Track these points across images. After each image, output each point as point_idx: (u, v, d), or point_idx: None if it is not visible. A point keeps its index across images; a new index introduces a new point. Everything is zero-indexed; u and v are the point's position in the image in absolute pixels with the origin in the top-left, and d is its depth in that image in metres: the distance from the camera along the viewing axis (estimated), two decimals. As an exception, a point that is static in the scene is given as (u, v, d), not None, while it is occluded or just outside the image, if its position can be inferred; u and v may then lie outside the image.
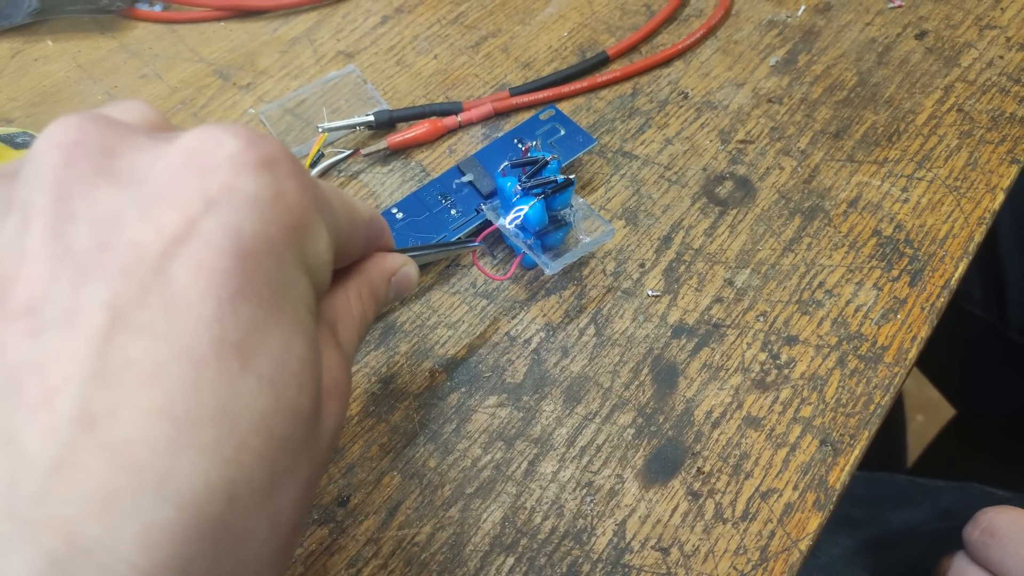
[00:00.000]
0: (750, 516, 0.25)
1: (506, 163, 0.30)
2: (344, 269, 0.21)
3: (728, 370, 0.29)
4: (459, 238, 0.32)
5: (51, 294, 0.13)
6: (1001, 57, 0.38)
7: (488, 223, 0.31)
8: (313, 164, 0.35)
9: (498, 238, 0.33)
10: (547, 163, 0.29)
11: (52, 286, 0.13)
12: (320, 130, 0.36)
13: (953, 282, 0.31)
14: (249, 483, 0.14)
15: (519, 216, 0.29)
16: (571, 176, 0.29)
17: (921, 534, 0.42)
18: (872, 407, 0.28)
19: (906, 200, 0.33)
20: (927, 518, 0.43)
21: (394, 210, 0.33)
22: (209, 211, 0.14)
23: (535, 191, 0.29)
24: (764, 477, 0.26)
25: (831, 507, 0.26)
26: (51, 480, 0.12)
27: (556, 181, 0.29)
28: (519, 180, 0.29)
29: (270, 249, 0.15)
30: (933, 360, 0.63)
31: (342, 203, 0.19)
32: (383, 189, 0.35)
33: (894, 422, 0.63)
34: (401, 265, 0.23)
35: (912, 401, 0.98)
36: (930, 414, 1.00)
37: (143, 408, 0.13)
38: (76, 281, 0.13)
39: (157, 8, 0.45)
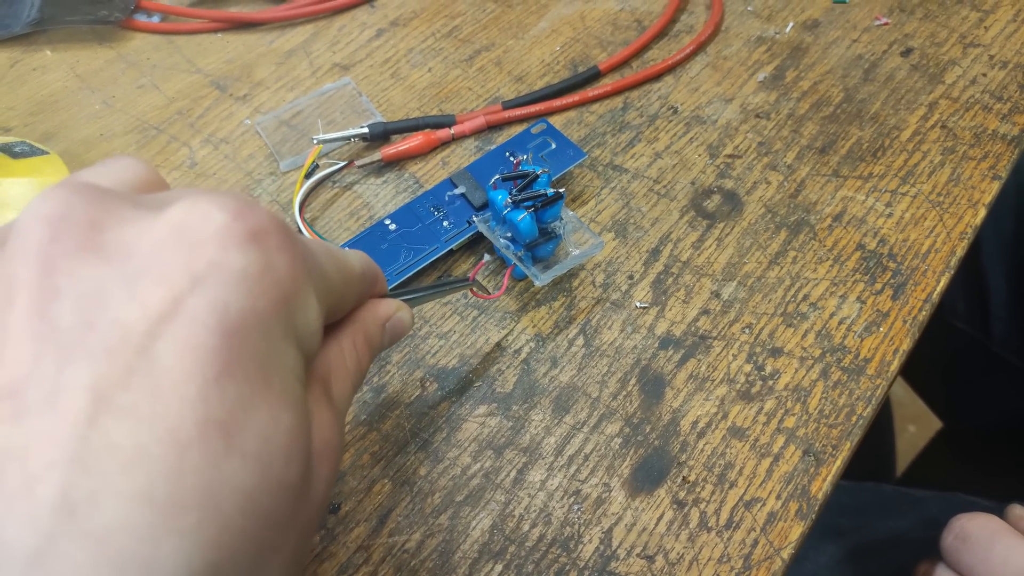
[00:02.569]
0: (734, 525, 0.26)
1: (497, 176, 0.30)
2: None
3: (714, 381, 0.29)
4: (449, 278, 0.32)
5: (34, 376, 0.13)
6: (984, 75, 0.39)
7: (484, 280, 0.31)
8: (308, 175, 0.36)
9: (490, 249, 0.33)
10: (537, 177, 0.30)
11: (35, 368, 0.13)
12: (315, 142, 0.36)
13: (935, 296, 0.31)
14: (233, 564, 0.14)
15: (510, 230, 0.29)
16: (561, 190, 0.30)
17: (906, 542, 0.42)
18: (854, 418, 0.28)
19: (890, 215, 0.34)
20: (912, 527, 0.43)
21: (387, 221, 0.33)
22: (195, 288, 0.14)
23: (525, 204, 0.29)
24: (748, 486, 0.27)
25: (813, 516, 0.26)
26: (30, 572, 0.12)
27: (546, 194, 0.29)
28: (510, 193, 0.30)
29: (258, 324, 0.15)
30: (919, 373, 0.64)
31: (333, 263, 0.19)
32: (377, 200, 0.36)
33: (882, 432, 0.64)
34: (395, 311, 0.23)
35: (904, 412, 0.98)
36: (922, 424, 1.01)
37: (125, 494, 0.13)
38: (60, 362, 0.13)
39: (155, 19, 0.45)
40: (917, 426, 1.01)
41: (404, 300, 0.24)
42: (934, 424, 0.70)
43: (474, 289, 0.29)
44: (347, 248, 0.22)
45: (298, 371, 0.16)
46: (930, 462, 0.65)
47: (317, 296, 0.17)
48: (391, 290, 0.24)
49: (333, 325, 0.20)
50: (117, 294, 0.14)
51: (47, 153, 0.36)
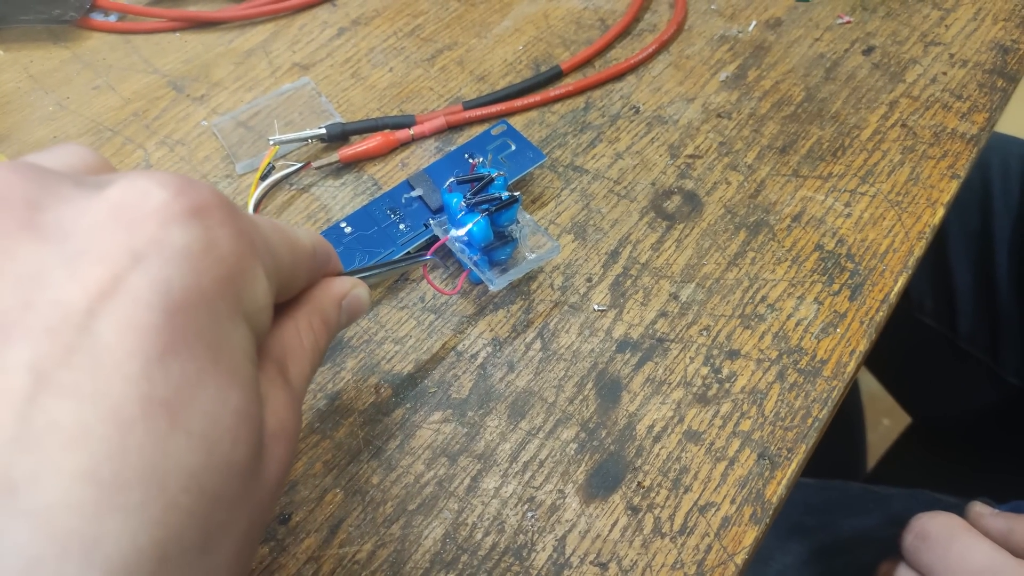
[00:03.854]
0: (688, 530, 0.26)
1: (452, 179, 0.30)
2: (292, 299, 0.21)
3: (671, 384, 0.29)
4: (408, 252, 0.32)
5: None
6: (944, 73, 0.39)
7: (438, 237, 0.31)
8: (264, 177, 0.35)
9: (448, 252, 0.33)
10: (492, 180, 0.29)
11: None
12: (271, 143, 0.36)
13: (892, 297, 0.31)
14: (180, 542, 0.13)
15: (464, 232, 0.29)
16: (516, 193, 0.29)
17: (872, 541, 0.43)
18: (810, 420, 0.28)
19: (849, 215, 0.34)
20: (878, 525, 0.44)
21: (343, 224, 0.33)
22: (136, 266, 0.14)
23: (481, 207, 0.29)
24: (703, 491, 0.27)
25: (768, 521, 0.26)
26: None
27: (501, 198, 0.29)
28: (465, 197, 0.29)
29: (202, 302, 0.15)
30: (888, 368, 0.64)
31: (282, 239, 0.19)
32: (335, 203, 0.35)
33: (851, 429, 0.64)
34: (351, 288, 0.23)
35: (879, 406, 0.99)
36: (896, 419, 1.01)
37: (67, 472, 0.12)
38: None
39: (112, 18, 0.45)
40: (891, 420, 1.02)
41: (361, 277, 0.24)
42: (908, 419, 0.71)
43: (427, 269, 0.29)
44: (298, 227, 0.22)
45: (248, 349, 0.16)
46: (900, 457, 0.66)
47: (265, 272, 0.17)
48: (347, 271, 0.24)
49: (288, 304, 0.20)
50: (56, 273, 0.14)
51: (-5, 156, 0.35)
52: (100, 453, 0.13)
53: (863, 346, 0.30)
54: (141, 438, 0.13)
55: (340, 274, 0.23)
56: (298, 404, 0.19)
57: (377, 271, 0.26)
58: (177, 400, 0.14)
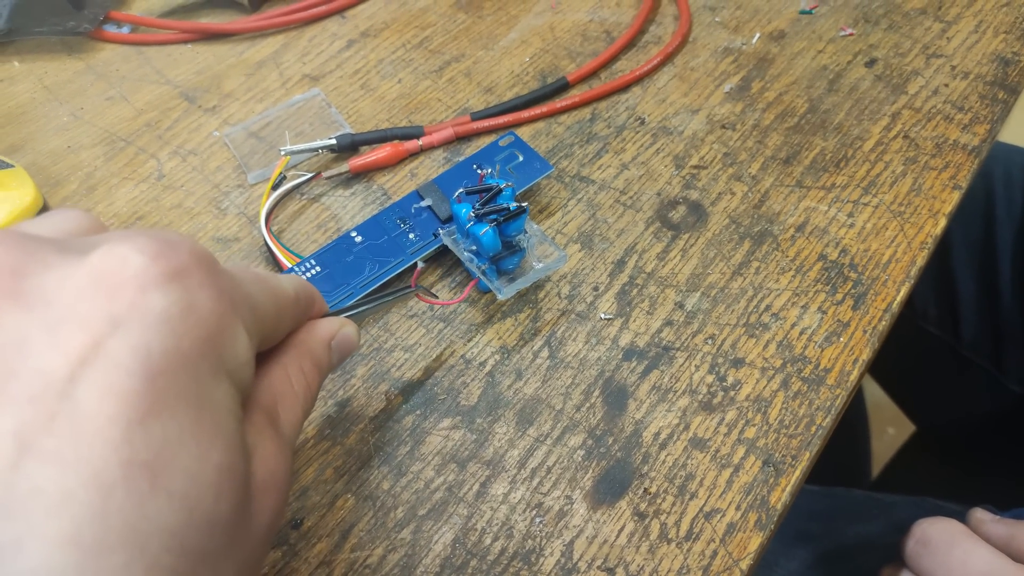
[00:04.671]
0: (694, 536, 0.26)
1: (461, 190, 0.30)
2: (279, 344, 0.21)
3: (676, 392, 0.30)
4: (388, 289, 0.31)
5: None
6: (946, 85, 0.40)
7: (414, 268, 0.31)
8: (275, 187, 0.36)
9: (456, 262, 0.33)
10: (501, 191, 0.30)
11: None
12: (282, 153, 0.36)
13: (895, 306, 0.32)
14: None
15: (473, 243, 0.29)
16: (524, 204, 0.30)
17: (876, 547, 0.43)
18: (814, 428, 0.28)
19: (852, 225, 0.34)
20: (882, 532, 0.44)
21: (353, 233, 0.33)
22: (115, 332, 0.14)
23: (489, 218, 0.30)
24: (708, 498, 0.27)
25: (772, 527, 0.26)
26: None
27: (509, 209, 0.29)
28: (473, 207, 0.30)
29: (183, 363, 0.15)
30: (892, 376, 0.65)
31: (264, 290, 0.19)
32: (344, 212, 0.36)
33: (856, 436, 0.64)
34: (339, 328, 0.23)
35: (883, 414, 0.99)
36: (900, 427, 1.01)
37: (50, 538, 0.13)
38: None
39: (125, 30, 0.45)
40: (896, 429, 1.02)
41: (347, 316, 0.24)
42: (912, 427, 0.71)
43: (420, 295, 0.29)
44: (280, 274, 0.22)
45: (230, 405, 0.16)
46: (904, 465, 0.66)
47: (246, 327, 0.17)
48: (332, 311, 0.24)
49: (275, 350, 0.21)
50: (39, 341, 0.14)
51: (12, 166, 0.36)
52: (82, 517, 0.13)
53: (866, 355, 0.30)
54: (122, 501, 0.13)
55: (326, 315, 0.23)
56: (289, 451, 0.19)
57: (361, 308, 0.26)
58: (158, 461, 0.14)
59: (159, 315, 0.15)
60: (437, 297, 0.32)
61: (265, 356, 0.20)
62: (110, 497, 0.13)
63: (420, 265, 0.30)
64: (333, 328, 0.23)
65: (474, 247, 0.30)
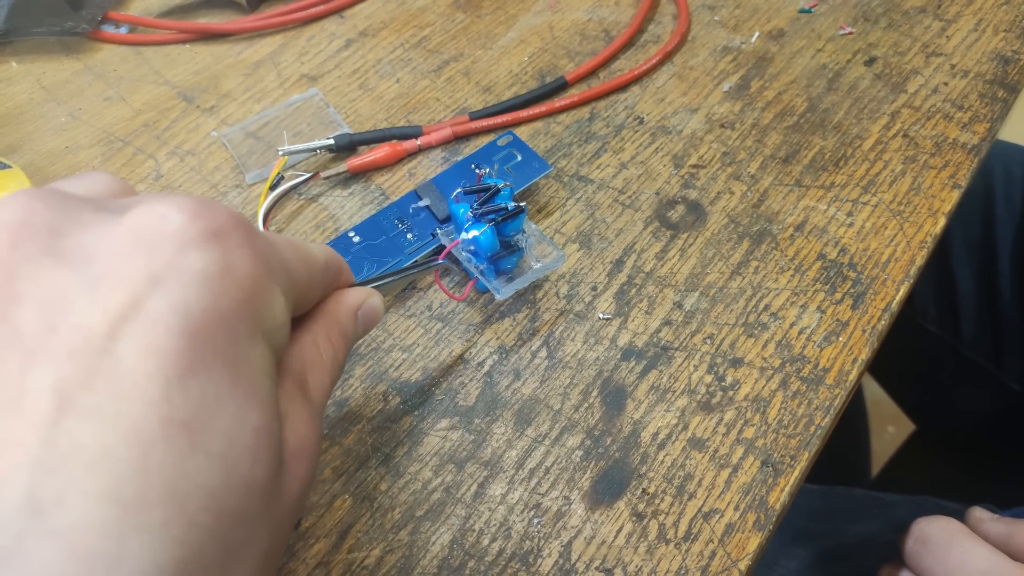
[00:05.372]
0: (692, 537, 0.26)
1: (459, 190, 0.30)
2: (307, 313, 0.21)
3: (675, 392, 0.29)
4: (416, 261, 0.32)
5: None
6: (946, 84, 0.40)
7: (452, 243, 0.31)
8: (273, 187, 0.36)
9: (455, 260, 0.33)
10: (499, 190, 0.30)
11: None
12: (280, 153, 0.36)
13: (894, 306, 0.32)
14: (201, 561, 0.14)
15: (471, 242, 0.29)
16: (522, 204, 0.30)
17: (876, 546, 0.43)
18: (813, 428, 0.28)
19: (851, 224, 0.34)
20: (881, 531, 0.44)
21: (351, 234, 0.33)
22: (155, 289, 0.14)
23: (487, 218, 0.29)
24: (707, 498, 0.27)
25: (771, 527, 0.26)
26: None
27: (507, 208, 0.29)
28: (471, 207, 0.30)
29: (221, 323, 0.15)
30: (891, 375, 0.64)
31: (297, 255, 0.19)
32: (343, 212, 0.36)
33: (856, 437, 0.64)
34: (365, 298, 0.23)
35: (883, 413, 0.99)
36: (901, 426, 1.01)
37: (91, 493, 0.13)
38: (24, 365, 0.14)
39: (123, 30, 0.45)
40: (896, 427, 1.02)
41: (373, 287, 0.24)
42: (912, 426, 0.71)
43: (438, 274, 0.29)
44: (310, 242, 0.23)
45: (267, 368, 0.16)
46: (904, 464, 0.66)
47: (282, 290, 0.17)
48: (359, 282, 0.25)
49: (304, 319, 0.21)
50: (78, 298, 0.14)
51: (10, 167, 0.36)
52: (122, 474, 0.13)
53: (865, 354, 0.30)
54: (162, 459, 0.14)
55: (352, 285, 0.24)
56: (318, 419, 0.19)
57: (389, 279, 0.26)
58: (197, 421, 0.14)
59: (198, 274, 0.15)
60: (448, 290, 0.32)
61: (294, 324, 0.20)
62: (150, 454, 0.13)
63: (455, 238, 0.30)
64: (360, 298, 0.23)
65: (472, 247, 0.30)
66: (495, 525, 0.27)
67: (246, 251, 0.16)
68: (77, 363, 0.14)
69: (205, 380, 0.14)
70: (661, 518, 0.26)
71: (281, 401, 0.17)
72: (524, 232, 0.31)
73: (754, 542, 0.26)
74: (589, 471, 0.28)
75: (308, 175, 0.36)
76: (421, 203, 0.34)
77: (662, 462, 0.28)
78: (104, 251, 0.15)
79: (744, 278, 0.33)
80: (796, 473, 0.27)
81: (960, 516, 0.33)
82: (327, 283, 0.22)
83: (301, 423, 0.18)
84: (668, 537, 0.26)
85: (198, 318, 0.15)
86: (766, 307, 0.32)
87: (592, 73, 0.41)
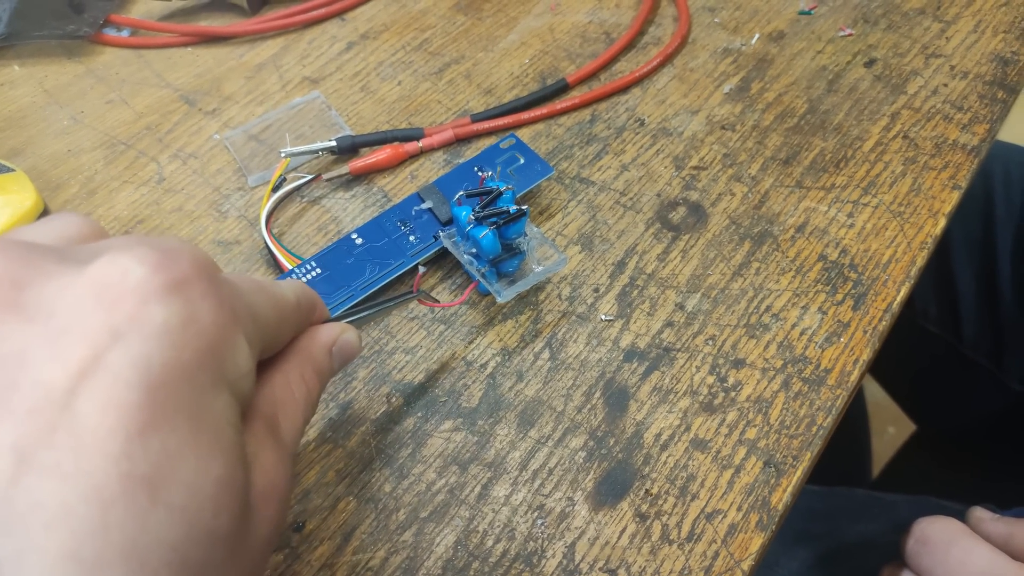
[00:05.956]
0: (695, 537, 0.26)
1: (461, 192, 0.30)
2: (281, 351, 0.21)
3: (677, 393, 0.30)
4: (389, 297, 0.31)
5: None
6: (945, 85, 0.40)
7: (414, 274, 0.31)
8: (275, 189, 0.36)
9: (456, 264, 0.33)
10: (501, 194, 0.30)
11: None
12: (282, 155, 0.36)
13: (895, 306, 0.32)
14: None
15: (473, 246, 0.29)
16: (524, 207, 0.30)
17: (876, 546, 0.43)
18: (815, 429, 0.28)
19: (851, 225, 0.34)
20: (882, 531, 0.44)
21: (354, 235, 0.33)
22: (116, 344, 0.14)
23: (489, 220, 0.30)
24: (709, 498, 0.27)
25: (774, 528, 0.26)
26: None
27: (509, 212, 0.29)
28: (473, 210, 0.30)
29: (183, 376, 0.15)
30: (892, 376, 0.65)
31: (266, 299, 0.19)
32: (345, 214, 0.36)
33: (857, 436, 0.64)
34: (340, 333, 0.23)
35: (884, 414, 0.99)
36: (901, 427, 1.02)
37: (50, 552, 0.13)
38: None
39: (125, 33, 0.45)
40: (897, 428, 1.02)
41: (349, 322, 0.24)
42: (913, 427, 0.71)
43: (422, 299, 0.29)
44: (280, 280, 0.22)
45: (230, 417, 0.16)
46: (905, 465, 0.66)
47: (247, 337, 0.17)
48: (334, 316, 0.24)
49: (276, 358, 0.20)
50: (39, 352, 0.14)
51: (13, 170, 0.36)
52: (82, 532, 0.13)
53: (866, 355, 0.30)
54: (122, 515, 0.13)
55: (327, 321, 0.23)
56: (289, 460, 0.19)
57: (363, 313, 0.26)
58: (157, 475, 0.14)
59: (159, 327, 0.15)
60: (438, 301, 0.32)
61: (266, 363, 0.20)
62: (110, 511, 0.13)
63: (421, 270, 0.30)
64: (334, 334, 0.22)
65: (474, 250, 0.30)
66: (499, 526, 0.27)
67: (210, 300, 0.16)
68: (37, 420, 0.13)
69: (166, 433, 0.14)
70: (664, 519, 0.27)
71: (249, 444, 0.17)
72: (526, 235, 0.31)
73: (757, 542, 0.26)
74: (592, 472, 0.28)
75: (310, 177, 0.36)
76: (423, 205, 0.34)
77: (665, 463, 0.28)
78: (65, 304, 0.15)
79: (745, 279, 0.33)
80: (798, 473, 0.27)
81: (961, 516, 0.34)
82: (299, 321, 0.21)
83: (271, 465, 0.18)
84: (671, 538, 0.26)
85: (159, 372, 0.14)
86: (767, 308, 0.32)
87: (593, 75, 0.41)
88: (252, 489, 0.17)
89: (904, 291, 0.32)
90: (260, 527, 0.17)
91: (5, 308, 0.14)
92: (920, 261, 0.33)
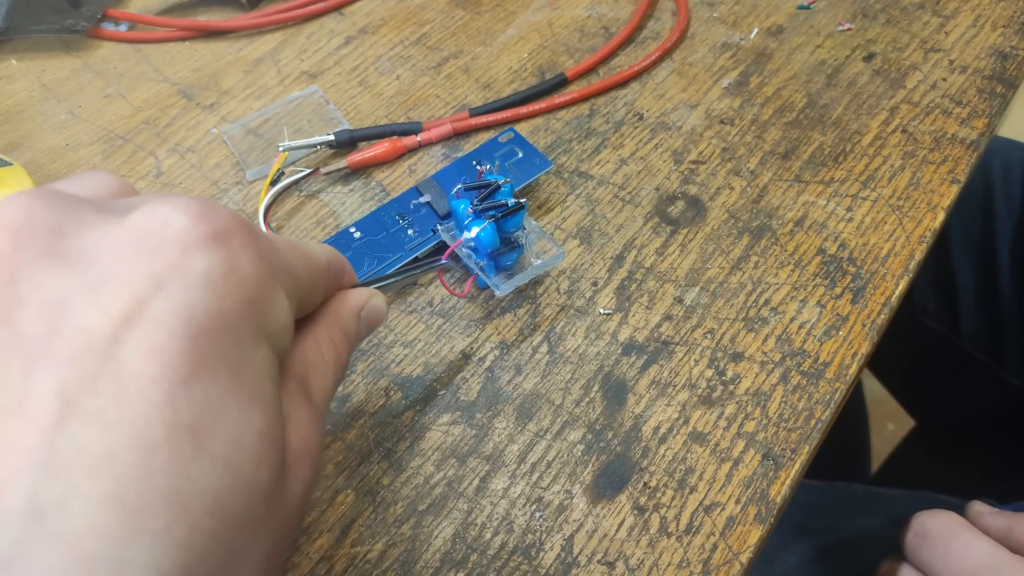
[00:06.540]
0: (693, 530, 0.26)
1: (459, 186, 0.30)
2: (310, 314, 0.21)
3: (676, 386, 0.30)
4: (417, 258, 0.32)
5: (1, 383, 0.13)
6: (944, 79, 0.40)
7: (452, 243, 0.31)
8: (273, 183, 0.36)
9: (455, 257, 0.33)
10: (499, 187, 0.30)
11: (2, 375, 0.13)
12: (280, 149, 0.36)
13: (894, 300, 0.32)
14: (204, 565, 0.14)
15: (471, 238, 0.29)
16: (522, 200, 0.30)
17: (876, 541, 0.43)
18: (813, 422, 0.28)
19: (850, 219, 0.34)
20: (881, 525, 0.44)
21: (352, 229, 0.33)
22: (158, 292, 0.14)
23: (487, 214, 0.30)
24: (708, 491, 0.27)
25: (772, 520, 0.26)
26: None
27: (507, 205, 0.29)
28: (472, 203, 0.30)
29: (224, 326, 0.15)
30: (891, 371, 0.65)
31: (299, 257, 0.19)
32: (343, 208, 0.36)
33: (856, 431, 0.65)
34: (368, 299, 0.23)
35: (883, 409, 0.99)
36: (900, 422, 1.02)
37: (94, 497, 0.13)
38: (26, 368, 0.13)
39: (122, 28, 0.45)
40: (896, 424, 1.02)
41: (376, 287, 0.24)
42: (912, 423, 0.71)
43: (442, 273, 0.29)
44: (311, 243, 0.22)
45: (270, 371, 0.16)
46: (904, 460, 0.66)
47: (285, 292, 0.17)
48: (361, 282, 0.25)
49: (306, 320, 0.20)
50: (81, 300, 0.14)
51: (10, 164, 0.36)
52: (125, 478, 0.13)
53: (865, 348, 0.30)
54: (165, 463, 0.13)
55: (355, 286, 0.23)
56: (321, 421, 0.19)
57: (391, 279, 0.26)
58: (200, 424, 0.14)
59: (201, 276, 0.15)
60: (450, 288, 0.32)
61: (297, 326, 0.20)
62: (153, 459, 0.13)
63: (458, 237, 0.30)
64: (362, 299, 0.22)
65: (472, 243, 0.30)
66: (497, 519, 0.27)
67: (250, 253, 0.16)
68: (80, 366, 0.13)
69: (209, 383, 0.14)
70: (662, 511, 0.27)
71: (284, 403, 0.17)
72: (524, 228, 0.31)
73: (755, 535, 0.26)
74: (590, 465, 0.28)
75: (308, 171, 0.36)
76: (422, 199, 0.34)
77: (663, 456, 0.28)
78: (106, 253, 0.15)
79: (744, 273, 0.33)
80: (797, 466, 0.27)
81: (960, 511, 0.34)
82: (329, 284, 0.21)
83: (304, 425, 0.18)
84: (670, 530, 0.26)
85: (202, 321, 0.14)
86: (766, 302, 0.32)
87: (592, 70, 0.41)
88: (287, 448, 0.17)
89: (903, 285, 0.32)
90: (294, 486, 0.17)
91: (47, 255, 0.14)
92: (919, 255, 0.33)
